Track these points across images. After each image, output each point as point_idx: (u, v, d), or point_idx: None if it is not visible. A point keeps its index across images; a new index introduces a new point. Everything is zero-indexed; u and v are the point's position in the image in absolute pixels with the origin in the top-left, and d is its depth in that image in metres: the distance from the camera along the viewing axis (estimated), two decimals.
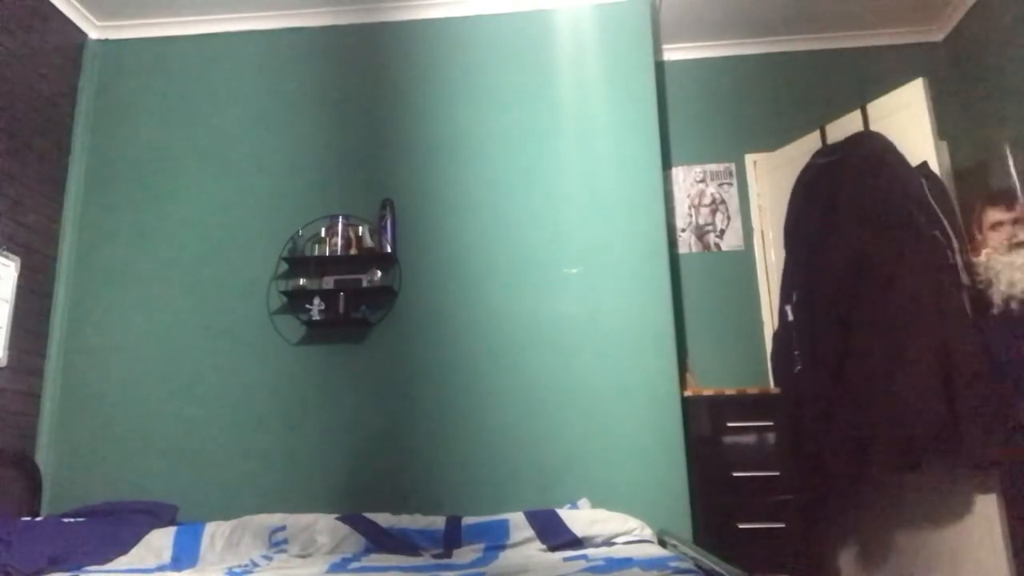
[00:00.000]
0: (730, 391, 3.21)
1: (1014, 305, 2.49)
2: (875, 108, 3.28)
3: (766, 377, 3.54)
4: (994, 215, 2.69)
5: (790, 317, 3.19)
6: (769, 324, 3.62)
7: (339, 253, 3.32)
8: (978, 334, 2.54)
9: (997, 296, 2.53)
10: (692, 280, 3.71)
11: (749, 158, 3.85)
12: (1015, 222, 2.64)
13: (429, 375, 3.21)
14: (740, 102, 3.93)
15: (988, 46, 3.54)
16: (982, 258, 2.65)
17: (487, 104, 3.51)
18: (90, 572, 2.37)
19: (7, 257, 3.13)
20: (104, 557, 2.58)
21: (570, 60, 3.54)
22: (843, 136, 3.33)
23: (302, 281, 3.30)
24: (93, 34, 3.77)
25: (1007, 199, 2.74)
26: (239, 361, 3.30)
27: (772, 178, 3.76)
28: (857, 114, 3.33)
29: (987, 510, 2.64)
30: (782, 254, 3.66)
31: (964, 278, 2.64)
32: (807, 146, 3.51)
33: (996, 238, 2.65)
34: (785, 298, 3.24)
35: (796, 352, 3.06)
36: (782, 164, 3.72)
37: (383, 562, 2.45)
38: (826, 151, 3.34)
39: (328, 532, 2.74)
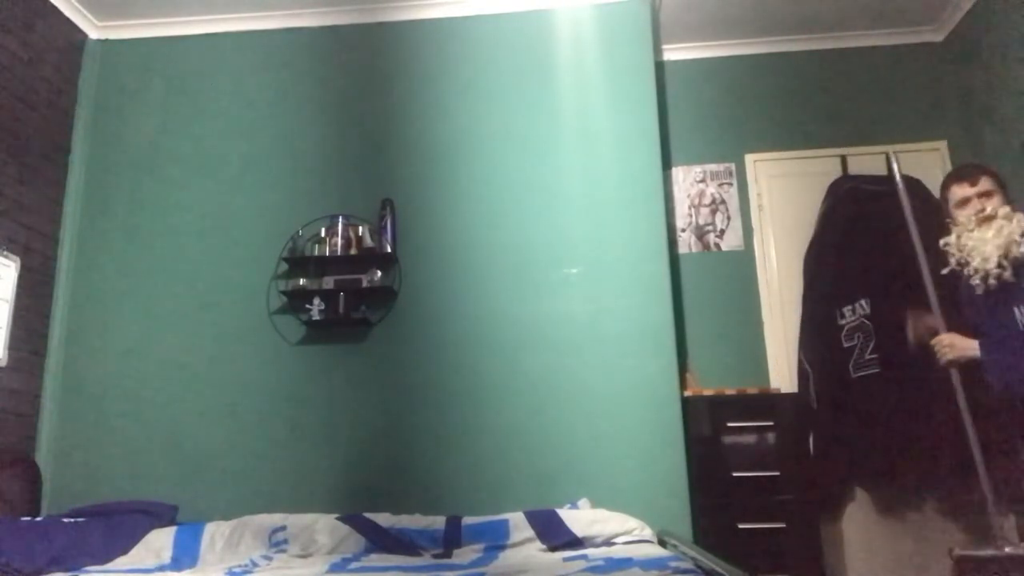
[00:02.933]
0: (730, 391, 3.22)
1: (992, 281, 2.40)
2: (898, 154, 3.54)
3: (766, 377, 3.54)
4: (959, 191, 2.58)
5: (843, 320, 3.33)
6: (769, 324, 3.62)
7: (339, 253, 3.31)
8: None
9: (975, 275, 2.44)
10: (692, 280, 3.71)
11: (749, 158, 3.85)
12: (980, 196, 2.51)
13: (429, 375, 3.21)
14: (740, 102, 3.93)
15: (988, 46, 3.54)
16: (952, 238, 2.55)
17: (487, 104, 3.51)
18: (90, 572, 2.37)
19: (7, 257, 3.13)
20: (104, 557, 2.58)
21: (570, 60, 3.54)
22: (872, 170, 3.66)
23: (302, 281, 3.30)
24: (93, 34, 3.77)
25: (970, 174, 2.61)
26: (239, 361, 3.30)
27: (779, 183, 3.80)
28: (879, 157, 3.68)
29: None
30: (785, 255, 3.66)
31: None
32: (825, 166, 3.74)
33: (963, 215, 2.54)
34: (837, 302, 3.36)
35: (873, 356, 3.17)
36: (792, 172, 3.78)
37: (383, 562, 2.45)
38: (874, 180, 3.54)
39: (328, 532, 2.74)
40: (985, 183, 2.53)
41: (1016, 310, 2.32)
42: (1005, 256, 2.37)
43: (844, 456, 3.20)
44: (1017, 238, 2.38)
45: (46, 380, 3.32)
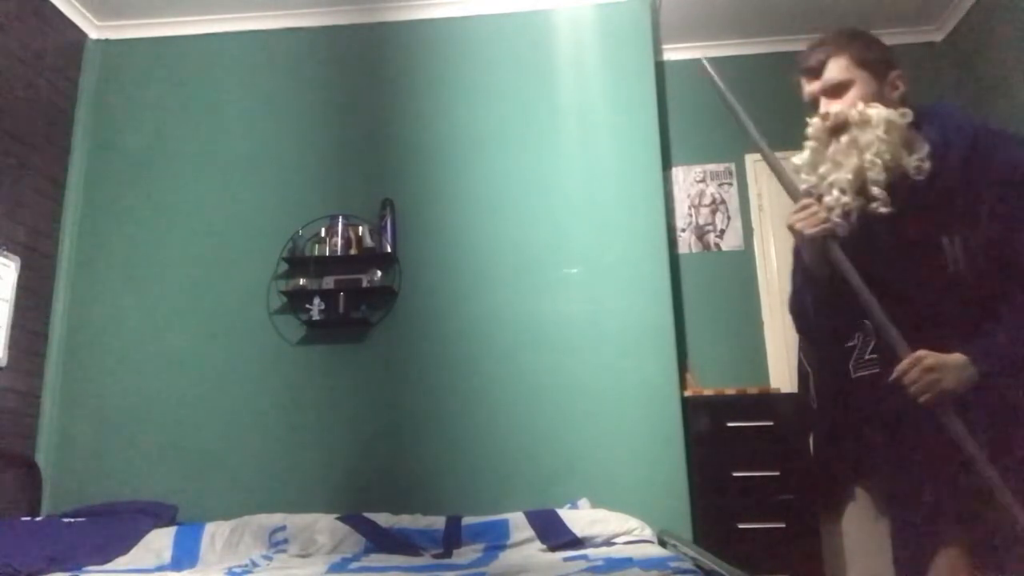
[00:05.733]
0: (730, 391, 3.22)
1: (853, 219, 1.55)
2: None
3: (766, 377, 3.54)
4: (806, 88, 1.74)
5: None
6: (769, 324, 3.62)
7: (339, 253, 3.32)
8: None
9: (830, 213, 1.58)
10: (692, 280, 3.71)
11: (749, 158, 3.85)
12: (827, 93, 1.64)
13: (429, 375, 3.21)
14: (740, 102, 3.92)
15: (988, 46, 3.54)
16: (805, 156, 1.70)
17: (487, 104, 3.51)
18: (90, 572, 2.37)
19: (7, 257, 3.13)
20: (104, 557, 2.58)
21: (570, 60, 3.54)
22: None
23: (302, 281, 3.30)
24: (93, 34, 3.77)
25: (809, 59, 1.73)
26: (239, 361, 3.29)
27: (779, 183, 3.77)
28: None
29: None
30: (785, 255, 3.66)
31: None
32: None
33: (813, 124, 1.67)
34: None
35: (873, 356, 3.05)
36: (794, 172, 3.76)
37: (383, 562, 2.45)
38: None
39: (328, 532, 2.74)
40: (834, 69, 1.64)
41: (946, 244, 1.50)
42: (865, 181, 1.52)
43: (844, 456, 3.19)
44: (884, 148, 1.50)
45: (46, 380, 3.31)
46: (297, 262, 3.36)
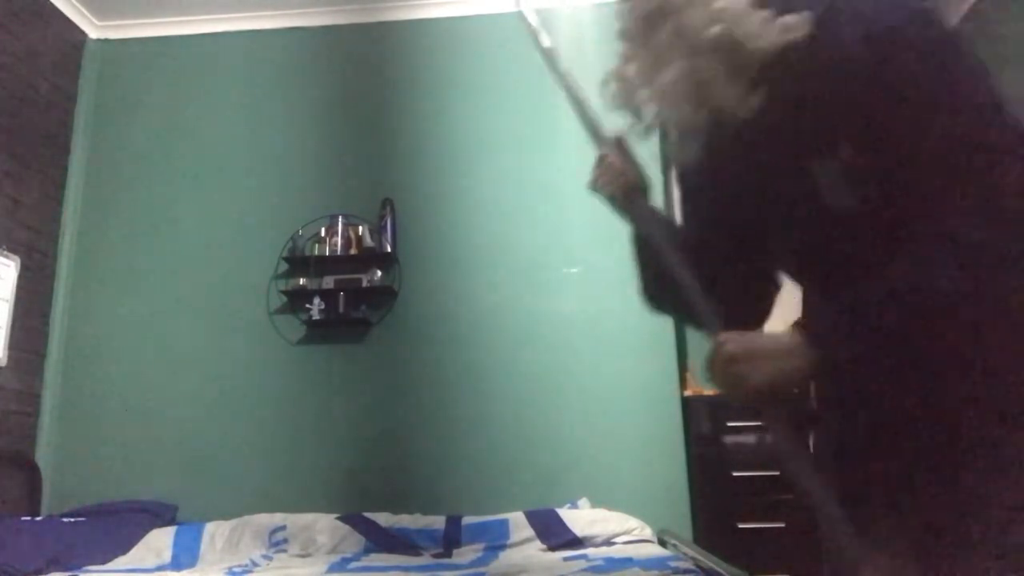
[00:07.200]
0: None
1: (693, 148, 1.07)
2: None
3: None
4: None
5: None
6: (769, 324, 3.61)
7: (339, 253, 3.32)
8: None
9: (670, 144, 1.15)
10: None
11: None
12: None
13: (429, 375, 3.21)
14: None
15: (987, 46, 3.54)
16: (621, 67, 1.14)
17: (487, 104, 3.51)
18: (90, 572, 2.37)
19: (7, 257, 3.13)
20: (104, 557, 2.58)
21: (570, 60, 3.52)
22: None
23: (302, 281, 3.30)
24: (93, 34, 3.77)
25: None
26: (239, 361, 3.29)
27: None
28: None
29: None
30: None
31: None
32: None
33: (625, 25, 1.10)
34: None
35: None
36: None
37: (383, 562, 2.45)
38: None
39: (328, 532, 2.74)
40: None
41: (818, 172, 0.97)
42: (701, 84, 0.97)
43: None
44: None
45: (46, 380, 3.31)
46: (297, 262, 3.36)
